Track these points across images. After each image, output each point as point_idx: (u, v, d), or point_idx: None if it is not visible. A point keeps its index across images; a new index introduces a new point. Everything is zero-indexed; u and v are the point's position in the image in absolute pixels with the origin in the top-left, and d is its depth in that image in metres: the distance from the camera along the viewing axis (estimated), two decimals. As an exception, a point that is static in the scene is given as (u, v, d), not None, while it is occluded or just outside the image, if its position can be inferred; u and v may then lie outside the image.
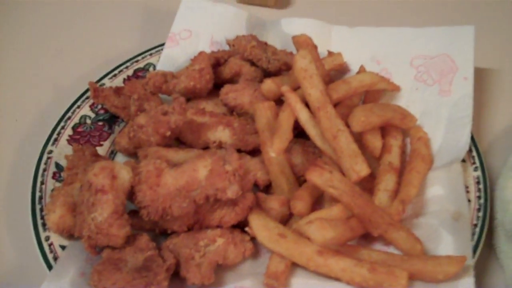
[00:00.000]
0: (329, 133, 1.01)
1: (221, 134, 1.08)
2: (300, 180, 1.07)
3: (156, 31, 1.43)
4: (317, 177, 0.97)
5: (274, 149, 1.02)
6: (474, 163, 1.06)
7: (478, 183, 1.04)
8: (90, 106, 1.19)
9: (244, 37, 1.22)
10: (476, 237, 0.96)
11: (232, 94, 1.12)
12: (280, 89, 1.08)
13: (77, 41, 1.49)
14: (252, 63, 1.19)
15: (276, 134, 1.03)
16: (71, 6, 1.59)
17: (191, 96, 1.16)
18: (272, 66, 1.17)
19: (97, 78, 1.24)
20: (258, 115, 1.08)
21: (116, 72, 1.25)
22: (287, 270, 0.95)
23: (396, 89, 1.16)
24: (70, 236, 0.99)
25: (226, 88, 1.13)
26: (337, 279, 0.93)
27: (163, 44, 1.30)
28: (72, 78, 1.36)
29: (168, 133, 1.05)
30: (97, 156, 1.09)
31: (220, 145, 1.08)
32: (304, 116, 1.05)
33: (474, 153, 1.07)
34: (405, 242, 0.95)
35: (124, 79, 1.24)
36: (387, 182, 1.02)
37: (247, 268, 0.99)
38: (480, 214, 0.99)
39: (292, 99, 1.05)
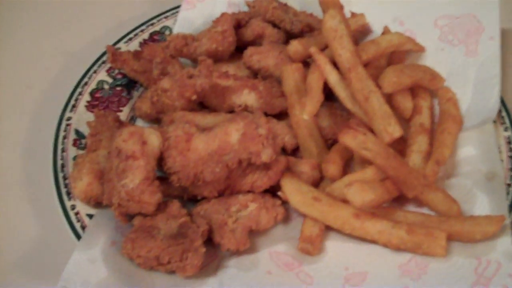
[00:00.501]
0: (360, 95, 0.99)
1: (247, 97, 1.05)
2: (327, 143, 1.06)
3: None
4: (351, 139, 0.95)
5: (307, 112, 0.99)
6: (503, 123, 1.05)
7: (509, 143, 1.03)
8: (107, 71, 1.16)
9: (262, -1, 1.19)
10: (510, 196, 0.96)
11: (256, 56, 1.09)
12: (307, 51, 1.06)
13: (86, 8, 1.44)
14: (274, 25, 1.16)
15: (308, 97, 1.00)
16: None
17: (212, 59, 1.12)
18: (295, 28, 1.14)
19: (111, 43, 1.20)
20: (285, 77, 1.05)
21: (131, 35, 1.21)
22: (321, 234, 0.94)
23: (421, 50, 1.14)
24: (97, 204, 0.97)
25: (250, 50, 1.09)
26: (373, 241, 0.92)
27: (178, 7, 1.26)
28: (83, 43, 1.32)
29: (194, 97, 1.02)
30: (120, 122, 1.06)
31: (246, 109, 1.05)
32: (334, 78, 1.02)
33: (504, 113, 1.06)
34: (442, 203, 0.94)
35: (140, 43, 1.21)
36: (420, 144, 1.00)
37: (278, 233, 0.97)
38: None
39: (321, 60, 1.02)
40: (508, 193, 0.96)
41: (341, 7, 1.11)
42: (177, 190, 0.97)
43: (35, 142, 1.15)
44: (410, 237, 0.89)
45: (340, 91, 1.02)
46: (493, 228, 0.89)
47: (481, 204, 0.95)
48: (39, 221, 1.04)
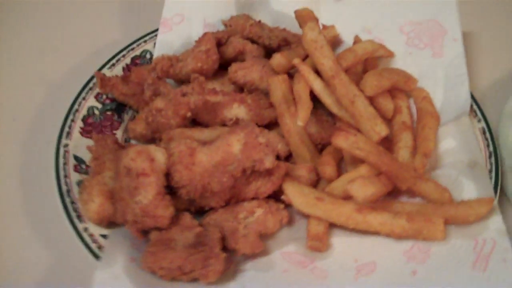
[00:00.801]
0: (346, 99, 1.05)
1: (237, 111, 1.10)
2: (317, 148, 1.12)
3: (138, 20, 1.44)
4: (343, 140, 1.01)
5: (300, 119, 1.05)
6: (476, 115, 1.14)
7: (484, 133, 1.11)
8: (95, 97, 1.18)
9: (239, 16, 1.25)
10: (493, 180, 1.04)
11: (241, 71, 1.14)
12: (289, 63, 1.12)
13: (60, 37, 1.45)
14: (252, 41, 1.21)
15: (298, 105, 1.06)
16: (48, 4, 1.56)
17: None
18: (273, 43, 1.20)
19: (90, 70, 1.22)
20: (273, 89, 1.11)
21: (114, 61, 1.23)
22: (327, 231, 0.99)
23: (391, 55, 1.22)
24: (109, 224, 0.99)
25: (234, 66, 1.15)
26: (376, 233, 0.98)
27: (152, 32, 1.30)
28: (63, 73, 1.34)
29: (189, 114, 1.06)
30: (119, 144, 1.08)
31: (237, 122, 1.10)
32: (318, 86, 1.08)
33: (475, 107, 1.15)
34: (434, 192, 1.01)
35: (123, 68, 1.24)
36: (405, 140, 1.07)
37: (285, 235, 1.02)
38: (492, 159, 1.07)
39: (305, 70, 1.09)
40: (490, 178, 1.04)
41: (316, 20, 1.17)
42: (184, 203, 1.00)
43: (32, 172, 1.16)
44: (410, 225, 0.96)
45: (326, 98, 1.09)
46: (485, 209, 0.97)
47: (468, 190, 1.03)
48: (50, 249, 1.05)
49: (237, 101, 1.10)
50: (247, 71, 1.14)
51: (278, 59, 1.13)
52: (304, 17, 1.16)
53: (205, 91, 1.07)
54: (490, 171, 1.05)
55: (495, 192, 1.02)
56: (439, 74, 1.20)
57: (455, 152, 1.09)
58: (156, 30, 1.29)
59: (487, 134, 1.11)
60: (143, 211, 0.93)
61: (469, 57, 1.21)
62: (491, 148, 1.09)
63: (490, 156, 1.07)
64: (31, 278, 1.01)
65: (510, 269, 0.90)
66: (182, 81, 1.17)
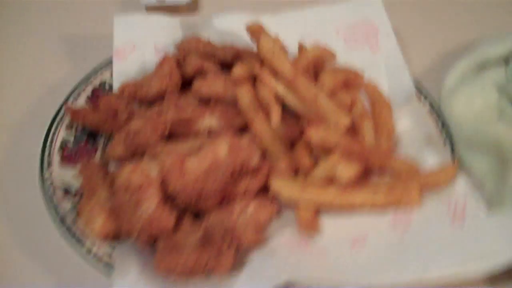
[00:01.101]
0: (309, 98, 1.15)
1: (209, 121, 1.16)
2: (288, 145, 1.20)
3: (82, 54, 1.48)
4: (315, 133, 1.10)
5: (273, 121, 1.13)
6: (421, 98, 1.27)
7: (432, 108, 1.24)
8: (66, 130, 1.20)
9: (190, 38, 1.32)
10: (449, 150, 1.17)
11: (205, 86, 1.20)
12: (249, 73, 1.21)
13: (9, 79, 1.46)
14: (206, 59, 1.29)
15: (270, 109, 1.14)
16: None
17: (162, 99, 1.22)
18: (227, 57, 1.28)
19: (48, 108, 1.25)
20: (240, 97, 1.18)
21: (75, 95, 1.26)
22: (315, 215, 1.07)
23: (334, 56, 1.33)
24: (113, 240, 1.03)
25: (198, 83, 1.21)
26: (360, 209, 1.07)
27: (106, 62, 1.33)
28: (20, 115, 1.34)
29: (167, 131, 1.12)
30: (102, 168, 1.12)
31: (210, 132, 1.16)
32: (281, 88, 1.17)
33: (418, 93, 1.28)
34: (404, 166, 1.12)
35: (86, 101, 1.27)
36: (367, 127, 1.17)
37: (276, 227, 1.09)
38: (444, 133, 1.20)
39: (267, 77, 1.17)
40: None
41: (267, 31, 1.26)
42: (180, 209, 1.05)
43: (12, 212, 1.17)
44: (390, 196, 1.06)
45: (289, 98, 1.17)
46: (452, 174, 1.09)
47: (431, 162, 1.15)
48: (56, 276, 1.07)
49: (208, 113, 1.17)
50: (211, 85, 1.21)
51: (238, 70, 1.21)
52: (255, 30, 1.24)
53: (178, 107, 1.13)
54: (445, 143, 1.18)
55: (453, 160, 1.14)
56: (380, 67, 1.32)
57: (411, 131, 1.21)
58: (106, 61, 1.33)
59: (435, 109, 1.24)
60: (149, 220, 0.98)
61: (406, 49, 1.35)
62: (441, 124, 1.21)
63: (441, 131, 1.20)
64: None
65: (484, 221, 1.02)
66: (147, 103, 1.22)
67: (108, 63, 1.33)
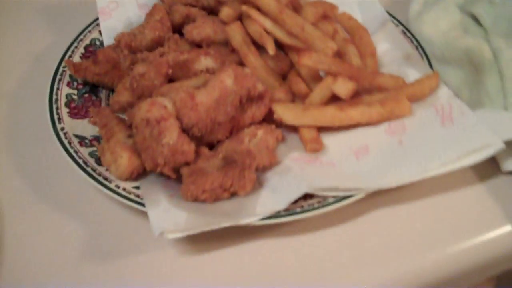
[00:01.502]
0: (296, 28, 1.23)
1: (206, 62, 1.23)
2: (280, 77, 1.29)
3: (65, 21, 1.52)
4: (308, 59, 1.19)
5: (270, 49, 1.21)
6: (393, 21, 1.37)
7: (406, 30, 1.35)
8: (67, 85, 1.25)
9: (173, -11, 1.39)
10: (427, 63, 1.28)
11: (195, 30, 1.27)
12: (236, 12, 1.29)
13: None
14: (191, 6, 1.35)
15: (265, 41, 1.22)
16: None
17: (156, 45, 1.28)
18: (210, 2, 1.35)
19: (42, 72, 1.30)
20: (232, 35, 1.26)
21: (69, 53, 1.31)
22: (318, 134, 1.16)
23: (307, -6, 1.42)
24: (137, 176, 1.09)
25: (188, 27, 1.28)
26: (358, 124, 1.17)
27: (92, 22, 1.38)
28: (15, 82, 1.38)
29: (170, 71, 1.18)
30: (113, 111, 1.18)
31: (208, 71, 1.23)
32: (269, 24, 1.25)
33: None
34: (390, 81, 1.22)
35: (81, 57, 1.31)
36: (351, 50, 1.27)
37: (283, 151, 1.17)
38: (420, 49, 1.31)
39: (255, 13, 1.25)
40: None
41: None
42: (194, 141, 1.11)
43: (35, 164, 1.21)
44: (384, 108, 1.16)
45: (278, 32, 1.25)
46: (435, 81, 1.20)
47: (412, 76, 1.25)
48: (88, 222, 1.11)
49: (202, 54, 1.24)
50: (201, 29, 1.28)
51: (226, 11, 1.28)
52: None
53: (179, 48, 1.20)
54: (423, 58, 1.29)
55: (433, 71, 1.25)
56: (351, 2, 1.43)
57: (390, 51, 1.32)
58: (92, 21, 1.39)
59: (407, 32, 1.35)
60: (172, 150, 1.04)
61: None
62: (415, 42, 1.32)
63: (417, 48, 1.31)
64: (76, 252, 1.06)
65: (470, 117, 1.13)
66: (143, 51, 1.27)
67: (94, 23, 1.38)
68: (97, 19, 1.38)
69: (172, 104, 1.08)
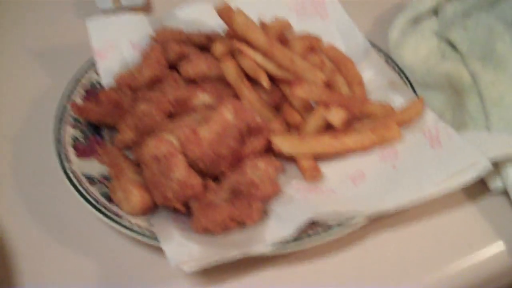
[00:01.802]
0: (286, 61, 1.29)
1: (203, 98, 1.29)
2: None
3: (55, 67, 1.58)
4: (300, 90, 1.26)
5: (265, 83, 1.28)
6: (375, 49, 1.46)
7: (387, 60, 1.43)
8: (72, 127, 1.29)
9: (163, 29, 1.44)
10: (412, 89, 1.36)
11: (190, 67, 1.33)
12: (227, 48, 1.35)
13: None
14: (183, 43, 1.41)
15: (259, 75, 1.29)
16: None
17: (154, 84, 1.33)
18: (202, 40, 1.41)
19: (43, 115, 1.36)
20: (226, 71, 1.32)
21: (68, 94, 1.34)
22: (316, 163, 1.23)
23: (290, 27, 1.48)
24: (148, 211, 1.14)
25: (183, 65, 1.34)
26: (351, 151, 1.24)
27: (88, 65, 1.43)
28: (19, 127, 1.42)
29: (171, 108, 1.24)
30: (120, 150, 1.23)
31: (205, 107, 1.29)
32: (260, 58, 1.32)
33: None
34: (379, 109, 1.30)
35: (82, 99, 1.36)
36: (340, 80, 1.35)
37: (283, 180, 1.23)
38: (403, 76, 1.39)
39: (246, 48, 1.32)
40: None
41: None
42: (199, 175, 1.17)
43: (49, 201, 1.26)
44: (375, 134, 1.23)
45: (269, 65, 1.32)
46: (421, 107, 1.27)
47: (398, 102, 1.33)
48: (99, 258, 1.16)
49: (199, 90, 1.30)
50: (196, 65, 1.34)
51: (218, 47, 1.35)
52: (225, 11, 1.38)
53: (178, 85, 1.26)
54: (406, 85, 1.37)
55: (417, 97, 1.33)
56: (333, 32, 1.51)
57: (375, 79, 1.40)
58: (88, 62, 1.43)
59: (389, 60, 1.43)
60: (181, 184, 1.10)
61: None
62: (398, 69, 1.41)
63: (399, 74, 1.39)
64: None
65: (457, 139, 1.20)
66: (142, 90, 1.33)
67: (90, 64, 1.42)
68: (90, 59, 1.43)
69: (177, 140, 1.14)
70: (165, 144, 1.11)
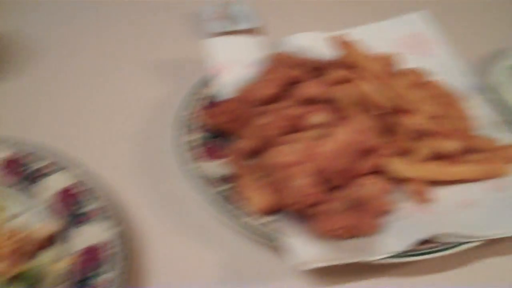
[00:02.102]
0: (398, 92, 1.36)
1: (319, 117, 1.35)
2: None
3: (173, 79, 1.68)
4: (411, 120, 1.33)
5: (376, 111, 1.35)
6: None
7: (491, 99, 1.50)
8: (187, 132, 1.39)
9: (279, 53, 1.54)
10: None
11: (306, 90, 1.41)
12: (342, 76, 1.42)
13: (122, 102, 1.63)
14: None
15: (371, 104, 1.36)
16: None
17: (270, 101, 1.41)
18: (316, 66, 1.49)
19: (162, 128, 1.48)
20: (339, 96, 1.38)
21: (197, 108, 1.45)
22: (426, 188, 1.28)
23: (394, 59, 1.54)
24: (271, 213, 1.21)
25: (300, 87, 1.41)
26: (461, 180, 1.29)
27: (203, 81, 1.52)
28: (138, 123, 1.54)
29: (289, 124, 1.31)
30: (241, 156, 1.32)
31: (321, 126, 1.35)
32: (371, 88, 1.37)
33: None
34: (488, 144, 1.36)
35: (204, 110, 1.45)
36: (446, 116, 1.40)
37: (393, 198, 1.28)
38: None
39: (358, 79, 1.39)
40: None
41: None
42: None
43: (170, 197, 1.35)
44: (486, 166, 1.29)
45: (380, 94, 1.38)
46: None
47: (505, 141, 1.39)
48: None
49: (315, 110, 1.36)
50: (311, 88, 1.41)
51: (333, 74, 1.42)
52: (339, 39, 1.46)
53: (297, 103, 1.33)
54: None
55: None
56: (438, 67, 1.57)
57: (480, 117, 1.45)
58: (204, 78, 1.53)
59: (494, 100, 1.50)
60: (301, 191, 1.16)
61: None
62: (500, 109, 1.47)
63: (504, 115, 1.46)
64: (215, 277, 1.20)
65: None
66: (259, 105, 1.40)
67: (205, 81, 1.52)
68: (205, 75, 1.53)
69: (298, 152, 1.21)
70: (289, 154, 1.19)
